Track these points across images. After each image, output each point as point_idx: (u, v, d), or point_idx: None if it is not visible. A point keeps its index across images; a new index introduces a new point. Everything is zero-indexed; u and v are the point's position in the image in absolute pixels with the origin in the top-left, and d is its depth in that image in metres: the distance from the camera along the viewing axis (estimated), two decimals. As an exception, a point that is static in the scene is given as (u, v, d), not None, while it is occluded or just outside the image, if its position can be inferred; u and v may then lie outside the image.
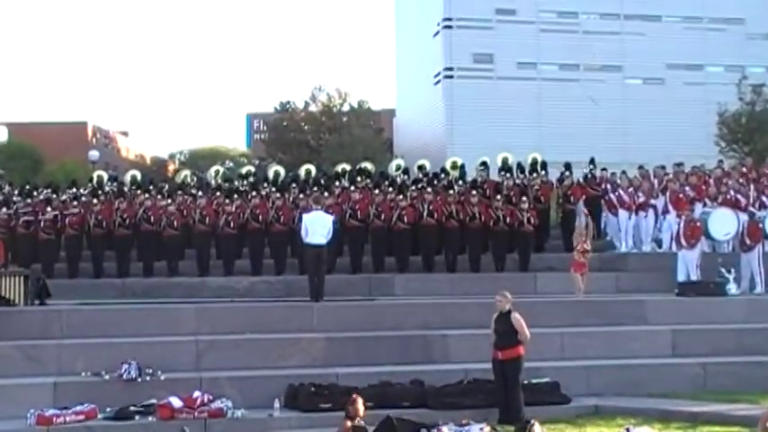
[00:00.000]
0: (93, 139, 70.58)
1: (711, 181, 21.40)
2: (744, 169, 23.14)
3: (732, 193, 20.31)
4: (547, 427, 11.68)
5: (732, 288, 17.56)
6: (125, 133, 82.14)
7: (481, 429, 11.52)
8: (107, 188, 22.51)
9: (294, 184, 21.67)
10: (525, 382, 12.47)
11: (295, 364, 13.53)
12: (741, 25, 57.33)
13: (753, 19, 56.98)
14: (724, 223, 18.58)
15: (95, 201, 19.75)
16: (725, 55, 55.61)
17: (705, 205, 20.00)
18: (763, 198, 20.35)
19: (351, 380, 12.93)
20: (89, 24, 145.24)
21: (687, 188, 20.72)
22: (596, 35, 56.24)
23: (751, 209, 19.60)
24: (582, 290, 17.06)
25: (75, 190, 21.92)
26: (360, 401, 10.71)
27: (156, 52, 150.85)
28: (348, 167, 24.75)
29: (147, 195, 20.59)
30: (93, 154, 46.37)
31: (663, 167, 22.52)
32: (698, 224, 18.28)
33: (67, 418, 11.74)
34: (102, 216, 19.19)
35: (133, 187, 22.52)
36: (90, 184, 23.45)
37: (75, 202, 19.98)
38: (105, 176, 25.30)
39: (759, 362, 14.17)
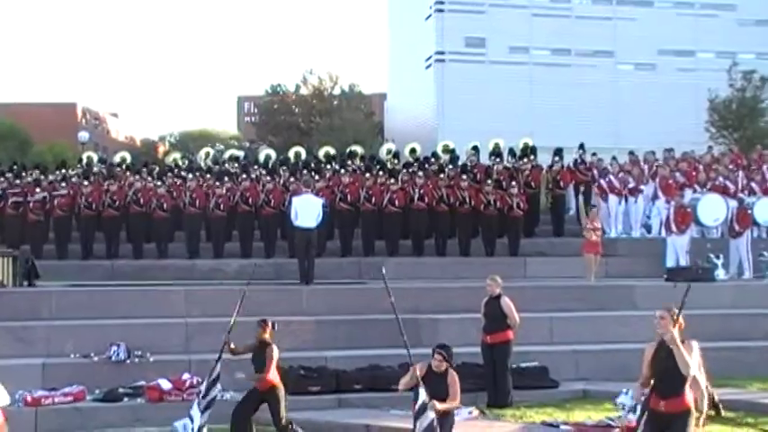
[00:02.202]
0: (83, 121, 70.27)
1: (701, 167, 21.45)
2: (733, 155, 23.23)
3: (721, 179, 20.37)
4: (535, 411, 11.75)
5: (720, 273, 17.65)
6: (115, 115, 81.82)
7: (470, 413, 11.58)
8: (96, 169, 22.42)
9: (285, 167, 21.63)
10: (514, 366, 12.52)
11: (284, 347, 13.49)
12: (732, 11, 57.33)
13: (744, 5, 56.96)
14: (713, 209, 18.66)
15: (85, 182, 19.67)
16: (716, 41, 55.62)
17: (695, 191, 20.07)
18: (752, 184, 20.43)
19: (340, 363, 12.95)
20: (80, 5, 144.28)
21: (677, 174, 20.78)
22: (588, 20, 56.18)
23: (740, 195, 19.67)
24: (594, 272, 17.16)
25: (64, 171, 21.83)
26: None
27: (147, 34, 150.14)
28: (332, 151, 24.73)
29: (137, 177, 20.53)
30: (83, 135, 46.14)
31: (653, 153, 22.58)
32: (688, 210, 18.34)
33: (56, 400, 11.74)
34: (91, 198, 19.11)
35: (123, 168, 22.44)
36: (79, 166, 23.36)
37: (64, 184, 19.90)
38: (95, 157, 25.21)
39: (746, 347, 14.26)
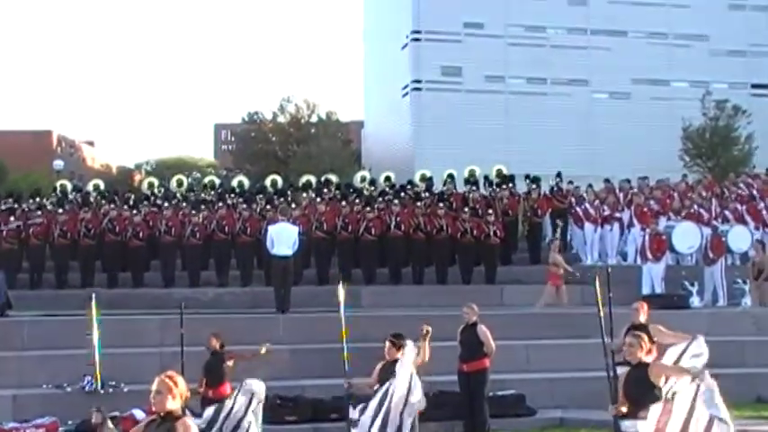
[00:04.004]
0: (59, 149, 69.98)
1: (676, 195, 21.63)
2: (707, 183, 23.46)
3: (696, 207, 20.55)
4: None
5: (695, 301, 17.75)
6: (91, 143, 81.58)
7: (447, 442, 11.53)
8: (71, 198, 22.26)
9: (261, 195, 21.59)
10: (491, 394, 12.48)
11: (260, 376, 13.42)
12: (705, 42, 58.22)
13: (717, 36, 57.86)
14: (688, 237, 18.77)
15: (60, 211, 19.53)
16: (689, 71, 56.45)
17: (669, 219, 20.21)
18: (726, 212, 20.61)
19: (316, 392, 12.87)
20: (55, 32, 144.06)
21: (652, 202, 20.93)
22: (563, 49, 56.83)
23: (714, 223, 19.83)
24: (543, 303, 17.26)
25: (38, 200, 21.66)
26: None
27: (123, 61, 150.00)
28: (312, 179, 24.70)
29: (112, 206, 20.40)
30: (58, 163, 45.87)
31: (628, 181, 22.75)
32: (662, 237, 18.46)
33: (28, 431, 11.57)
34: (66, 226, 18.96)
35: (97, 196, 22.29)
36: (54, 194, 23.18)
37: (39, 212, 19.75)
38: (69, 186, 25.02)
39: (721, 374, 14.24)
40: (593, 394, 13.47)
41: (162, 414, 5.82)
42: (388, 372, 9.97)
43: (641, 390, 7.76)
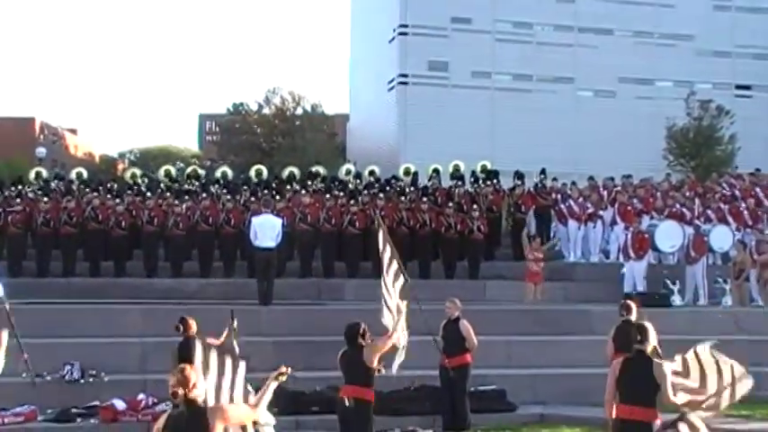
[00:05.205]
0: (41, 136, 69.49)
1: (659, 194, 21.73)
2: (690, 183, 23.60)
3: (678, 206, 20.66)
4: (493, 435, 11.75)
5: (676, 299, 17.85)
6: (74, 131, 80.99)
7: (428, 436, 11.56)
8: (54, 186, 22.13)
9: (245, 187, 21.54)
10: (472, 389, 12.51)
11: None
12: (690, 42, 58.47)
13: (702, 36, 58.14)
14: (670, 236, 18.86)
15: (44, 199, 19.40)
16: (674, 70, 56.70)
17: (652, 218, 20.31)
18: (709, 212, 20.72)
19: (298, 384, 12.82)
20: (39, 18, 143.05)
21: (635, 200, 21.02)
22: (550, 47, 56.95)
23: (696, 222, 19.94)
24: (532, 300, 17.29)
25: (19, 187, 21.52)
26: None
27: (109, 48, 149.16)
28: (296, 171, 24.67)
29: (95, 194, 20.30)
30: (41, 151, 45.62)
31: (612, 179, 22.84)
32: (645, 236, 18.55)
33: (6, 420, 11.53)
34: (49, 215, 18.84)
35: (80, 185, 22.18)
36: (37, 182, 23.04)
37: (19, 200, 19.61)
38: (44, 172, 24.91)
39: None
40: (574, 390, 13.59)
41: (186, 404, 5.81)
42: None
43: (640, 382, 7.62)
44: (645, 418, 7.50)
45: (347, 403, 9.16)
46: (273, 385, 6.77)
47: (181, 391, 5.76)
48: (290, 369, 7.60)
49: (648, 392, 7.50)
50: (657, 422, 7.54)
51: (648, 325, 7.99)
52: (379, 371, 9.65)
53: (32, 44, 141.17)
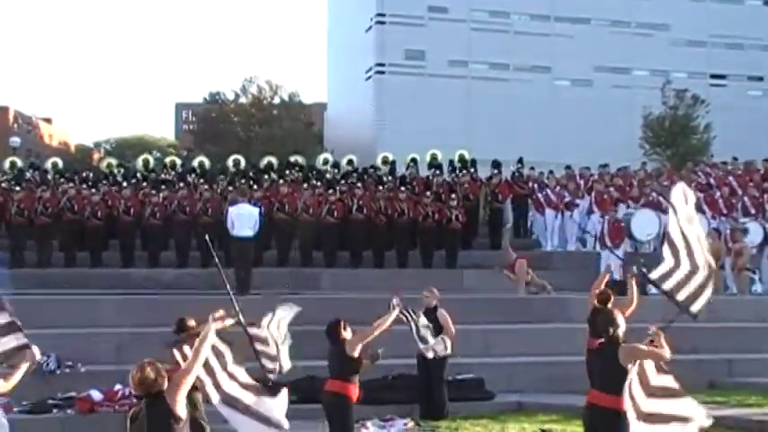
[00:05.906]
0: (15, 125, 68.84)
1: (635, 182, 21.85)
2: (667, 173, 23.74)
3: (654, 195, 20.78)
4: (470, 423, 11.80)
5: (652, 287, 17.93)
6: (48, 120, 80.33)
7: (405, 424, 11.59)
8: (28, 176, 21.95)
9: (223, 176, 21.45)
10: (450, 378, 12.55)
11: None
12: (666, 31, 58.82)
13: (678, 25, 58.50)
14: (646, 224, 18.97)
15: (17, 188, 19.23)
16: (650, 60, 57.01)
17: (628, 206, 20.41)
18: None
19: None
20: (12, 6, 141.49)
21: (611, 189, 21.13)
22: (526, 36, 57.08)
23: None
24: (522, 288, 17.46)
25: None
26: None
27: (83, 37, 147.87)
28: (274, 161, 24.58)
29: (70, 184, 20.14)
30: (15, 140, 45.06)
31: (588, 168, 22.95)
32: (621, 225, 18.64)
33: (-19, 411, 11.41)
34: (23, 204, 18.68)
35: (56, 175, 22.01)
36: (11, 171, 22.84)
37: (-7, 190, 19.44)
38: (19, 162, 24.70)
39: (678, 360, 14.48)
40: (552, 379, 13.67)
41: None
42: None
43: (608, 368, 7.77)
44: (614, 405, 7.60)
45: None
46: (211, 333, 6.53)
47: (143, 391, 5.79)
48: (223, 312, 7.51)
49: (618, 380, 7.61)
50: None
51: (617, 312, 8.18)
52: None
53: (6, 32, 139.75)
